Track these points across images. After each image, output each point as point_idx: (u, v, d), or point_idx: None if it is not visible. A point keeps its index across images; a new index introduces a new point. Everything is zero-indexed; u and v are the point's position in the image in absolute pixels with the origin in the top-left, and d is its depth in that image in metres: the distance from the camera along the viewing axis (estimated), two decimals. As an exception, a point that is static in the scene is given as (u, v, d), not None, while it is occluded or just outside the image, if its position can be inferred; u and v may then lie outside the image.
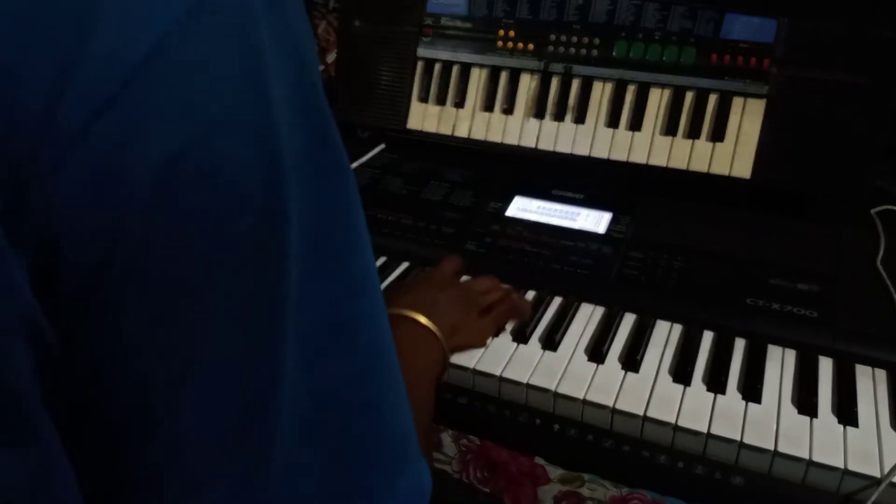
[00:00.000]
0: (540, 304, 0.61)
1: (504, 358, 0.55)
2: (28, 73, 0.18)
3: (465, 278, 0.61)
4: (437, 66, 0.82)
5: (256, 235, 0.22)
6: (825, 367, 0.53)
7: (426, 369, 0.46)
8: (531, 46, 0.78)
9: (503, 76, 0.79)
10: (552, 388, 0.52)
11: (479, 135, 0.80)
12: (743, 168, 0.69)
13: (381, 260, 0.69)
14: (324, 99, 0.25)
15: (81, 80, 0.19)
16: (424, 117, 0.82)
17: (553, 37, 0.77)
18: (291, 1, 0.24)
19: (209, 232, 0.21)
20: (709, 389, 0.52)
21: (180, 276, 0.21)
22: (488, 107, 0.79)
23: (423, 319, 0.47)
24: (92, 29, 0.19)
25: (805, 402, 0.50)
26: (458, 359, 0.55)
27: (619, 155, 0.74)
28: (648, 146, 0.73)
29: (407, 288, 0.53)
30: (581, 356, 0.55)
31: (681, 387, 0.52)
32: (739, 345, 0.56)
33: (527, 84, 0.78)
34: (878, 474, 0.45)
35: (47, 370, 0.21)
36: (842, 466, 0.45)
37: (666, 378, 0.53)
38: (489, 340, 0.56)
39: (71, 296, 0.20)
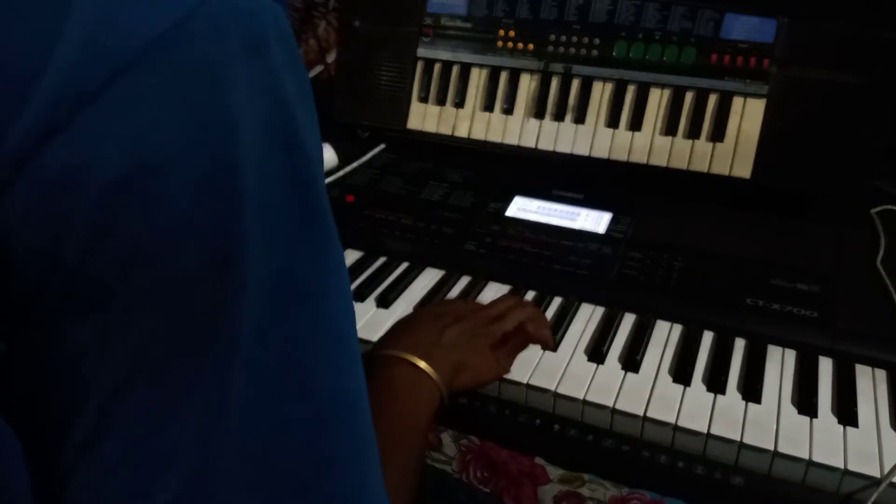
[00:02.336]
0: (540, 305, 0.61)
1: (504, 358, 0.55)
2: None
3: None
4: (437, 66, 0.82)
5: (204, 267, 0.22)
6: (825, 367, 0.53)
7: (419, 413, 0.45)
8: (531, 46, 0.78)
9: (503, 76, 0.79)
10: (552, 388, 0.52)
11: (479, 135, 0.80)
12: (743, 168, 0.69)
13: (381, 260, 0.69)
14: (310, 140, 0.25)
15: (37, 105, 0.19)
16: (424, 117, 0.82)
17: (553, 37, 0.77)
18: (278, 48, 0.24)
19: (153, 259, 0.21)
20: (709, 389, 0.52)
21: (122, 298, 0.21)
22: (488, 107, 0.79)
23: (421, 364, 0.46)
24: (49, 56, 0.19)
25: (805, 402, 0.50)
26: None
27: (619, 155, 0.74)
28: (648, 146, 0.73)
29: (412, 325, 0.51)
30: (581, 356, 0.55)
31: (681, 387, 0.52)
32: (739, 345, 0.56)
33: (527, 84, 0.78)
34: (877, 474, 0.45)
35: None
36: (842, 467, 0.45)
37: (666, 378, 0.53)
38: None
39: (18, 306, 0.21)
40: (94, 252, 0.21)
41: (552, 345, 0.54)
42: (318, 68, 1.11)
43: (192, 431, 0.22)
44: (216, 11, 0.22)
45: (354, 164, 0.81)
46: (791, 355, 0.55)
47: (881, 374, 0.53)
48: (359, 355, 0.27)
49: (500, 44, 0.79)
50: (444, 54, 0.81)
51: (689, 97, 0.72)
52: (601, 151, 0.75)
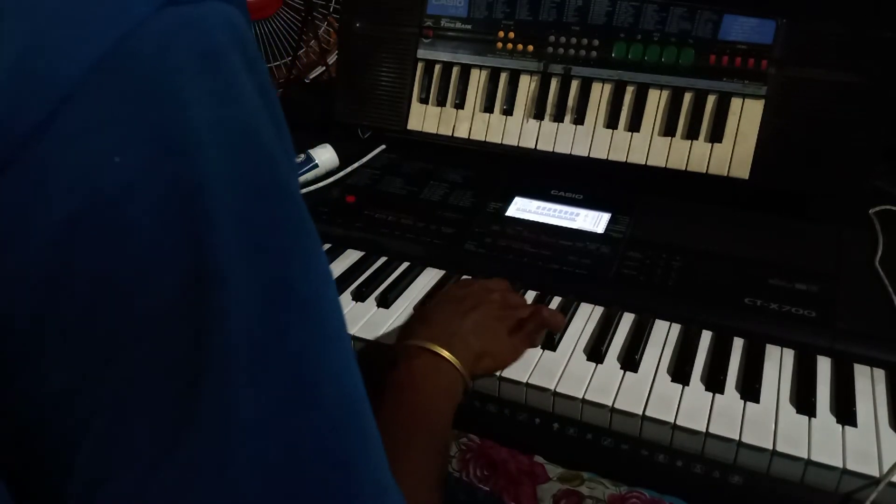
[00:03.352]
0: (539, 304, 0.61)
1: (503, 357, 0.55)
2: None
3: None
4: (438, 68, 0.82)
5: (182, 295, 0.21)
6: (824, 366, 0.54)
7: (441, 400, 0.45)
8: (531, 48, 0.78)
9: (503, 77, 0.79)
10: (551, 387, 0.52)
11: (478, 135, 0.80)
12: (741, 169, 0.69)
13: (381, 260, 0.69)
14: (278, 145, 0.24)
15: None
16: (424, 118, 0.83)
17: (552, 38, 0.77)
18: (234, 53, 0.23)
19: (123, 293, 0.20)
20: (707, 389, 0.52)
21: (96, 338, 0.20)
22: (488, 108, 0.80)
23: (443, 353, 0.46)
24: None
25: (804, 401, 0.50)
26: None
27: (618, 155, 0.74)
28: (647, 147, 0.73)
29: (432, 313, 0.51)
30: (580, 356, 0.56)
31: (679, 386, 0.52)
32: (738, 344, 0.56)
33: (526, 85, 0.78)
34: (876, 474, 0.45)
35: None
36: (840, 466, 0.45)
37: (665, 377, 0.53)
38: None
39: None
40: (57, 291, 0.20)
41: (562, 324, 0.55)
42: (319, 69, 1.11)
43: (200, 460, 0.21)
44: (160, 24, 0.21)
45: (355, 165, 0.81)
46: (790, 355, 0.55)
47: (880, 374, 0.53)
48: (353, 354, 0.27)
49: (499, 45, 0.79)
50: (445, 55, 0.82)
51: (687, 98, 0.72)
52: (600, 152, 0.75)
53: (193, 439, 0.21)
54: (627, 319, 0.59)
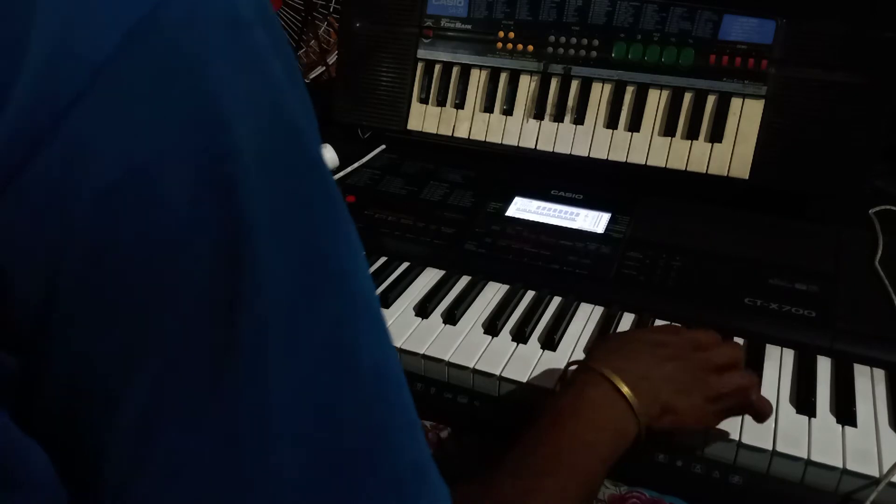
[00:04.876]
0: (539, 304, 0.61)
1: (503, 357, 0.55)
2: None
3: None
4: (438, 68, 0.82)
5: (215, 264, 0.21)
6: (824, 366, 0.54)
7: (603, 439, 0.40)
8: (531, 48, 0.78)
9: (503, 77, 0.79)
10: (551, 387, 0.52)
11: (478, 135, 0.80)
12: (741, 168, 0.69)
13: (381, 260, 0.69)
14: (306, 123, 0.24)
15: (13, 116, 0.19)
16: (424, 118, 0.83)
17: (552, 38, 0.77)
18: (260, 30, 0.23)
19: (158, 260, 0.20)
20: (707, 389, 0.52)
21: (134, 306, 0.21)
22: (488, 108, 0.80)
23: (624, 389, 0.41)
24: (21, 64, 0.19)
25: (803, 401, 0.50)
26: (458, 358, 0.55)
27: (618, 155, 0.74)
28: (647, 147, 0.73)
29: (626, 347, 0.45)
30: (580, 356, 0.55)
31: (679, 386, 0.52)
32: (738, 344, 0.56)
33: (526, 85, 0.78)
34: (876, 474, 0.45)
35: (16, 399, 0.21)
36: (840, 466, 0.45)
37: (665, 377, 0.53)
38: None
39: (25, 325, 0.20)
40: (97, 263, 0.20)
41: (767, 417, 0.47)
42: (319, 69, 1.11)
43: (237, 428, 0.22)
44: None
45: (355, 165, 0.81)
46: (790, 355, 0.55)
47: (879, 374, 0.53)
48: (387, 329, 0.26)
49: (499, 45, 0.79)
50: (445, 56, 0.82)
51: (687, 98, 0.72)
52: (600, 152, 0.75)
53: (230, 408, 0.22)
54: (627, 319, 0.59)
